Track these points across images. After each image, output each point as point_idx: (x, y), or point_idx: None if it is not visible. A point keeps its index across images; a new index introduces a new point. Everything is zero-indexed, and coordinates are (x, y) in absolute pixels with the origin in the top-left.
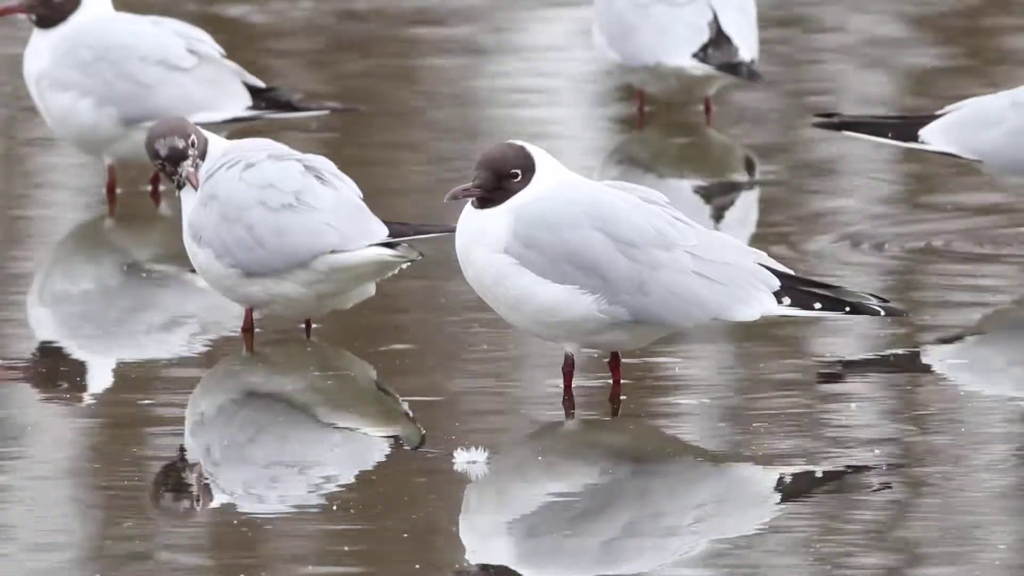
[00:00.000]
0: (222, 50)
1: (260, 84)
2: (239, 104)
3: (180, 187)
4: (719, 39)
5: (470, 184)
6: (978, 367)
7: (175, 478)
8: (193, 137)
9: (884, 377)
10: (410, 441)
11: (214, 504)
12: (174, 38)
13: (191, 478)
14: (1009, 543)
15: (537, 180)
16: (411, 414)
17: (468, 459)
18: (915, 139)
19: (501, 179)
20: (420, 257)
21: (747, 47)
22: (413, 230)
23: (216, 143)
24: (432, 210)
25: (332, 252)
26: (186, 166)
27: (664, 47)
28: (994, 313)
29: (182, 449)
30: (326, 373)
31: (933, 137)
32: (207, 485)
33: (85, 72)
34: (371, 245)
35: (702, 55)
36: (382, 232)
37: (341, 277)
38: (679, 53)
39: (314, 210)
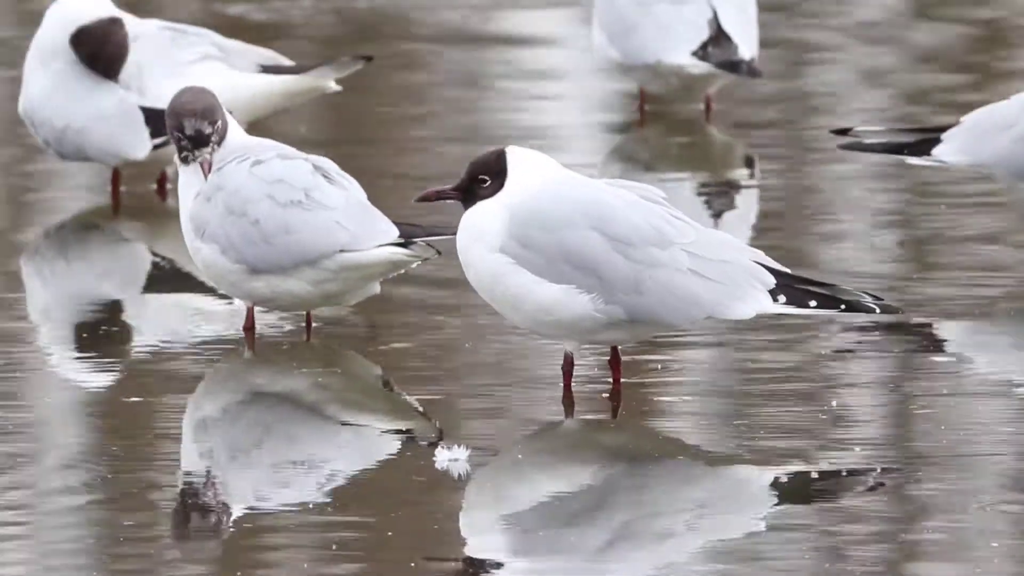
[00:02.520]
0: (223, 42)
1: (289, 63)
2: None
3: (187, 162)
4: (719, 37)
5: (447, 186)
6: (975, 361)
7: (176, 478)
8: (219, 123)
9: (882, 374)
10: (426, 438)
11: (215, 503)
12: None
13: (191, 478)
14: (1006, 543)
15: (514, 182)
16: (422, 411)
17: (450, 457)
18: (928, 154)
19: (473, 183)
20: (438, 255)
21: (747, 45)
22: (425, 232)
23: (235, 134)
24: (435, 211)
25: (342, 251)
26: (205, 152)
27: (664, 45)
28: (993, 308)
29: (182, 448)
30: (328, 371)
31: (945, 151)
32: (209, 484)
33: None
34: (382, 245)
35: (701, 53)
36: (392, 232)
37: (350, 276)
38: (679, 51)
39: (324, 208)
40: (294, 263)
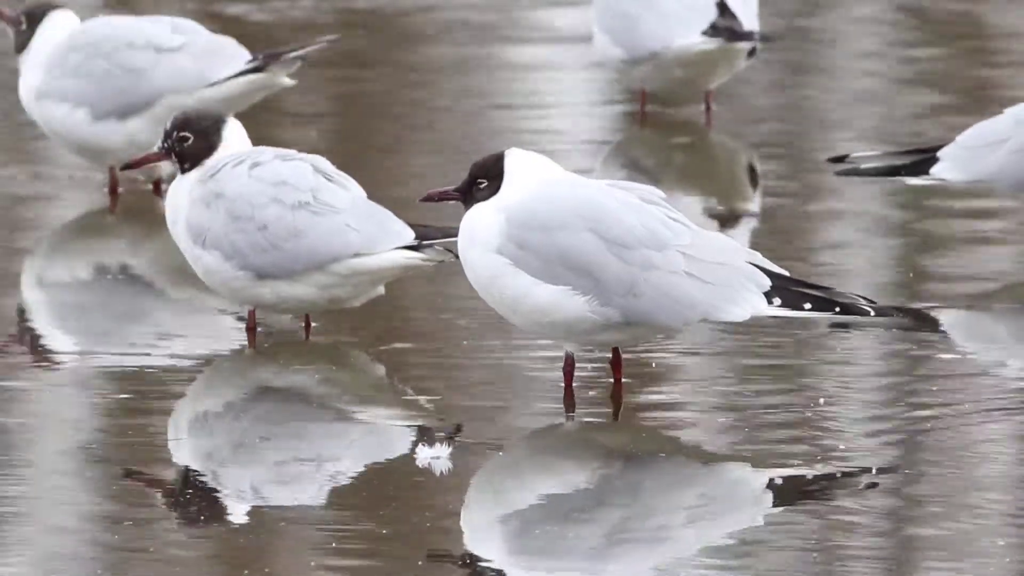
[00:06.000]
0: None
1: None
2: (240, 61)
3: (183, 167)
4: (724, 14)
5: (450, 188)
6: (973, 358)
7: (176, 478)
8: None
9: (879, 374)
10: (446, 432)
11: (216, 502)
12: (155, 23)
13: (193, 475)
14: (1006, 541)
15: (510, 184)
16: (427, 408)
17: (431, 455)
18: (927, 174)
19: (473, 185)
20: (455, 258)
21: (749, 22)
22: (441, 233)
23: (234, 143)
24: (436, 211)
25: (355, 255)
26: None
27: (670, 31)
28: (991, 304)
29: (181, 447)
30: (329, 369)
31: (943, 169)
32: (210, 483)
33: (78, 75)
34: (398, 248)
35: (711, 31)
36: (407, 235)
37: (361, 280)
38: (686, 34)
39: (334, 211)
40: (305, 268)
